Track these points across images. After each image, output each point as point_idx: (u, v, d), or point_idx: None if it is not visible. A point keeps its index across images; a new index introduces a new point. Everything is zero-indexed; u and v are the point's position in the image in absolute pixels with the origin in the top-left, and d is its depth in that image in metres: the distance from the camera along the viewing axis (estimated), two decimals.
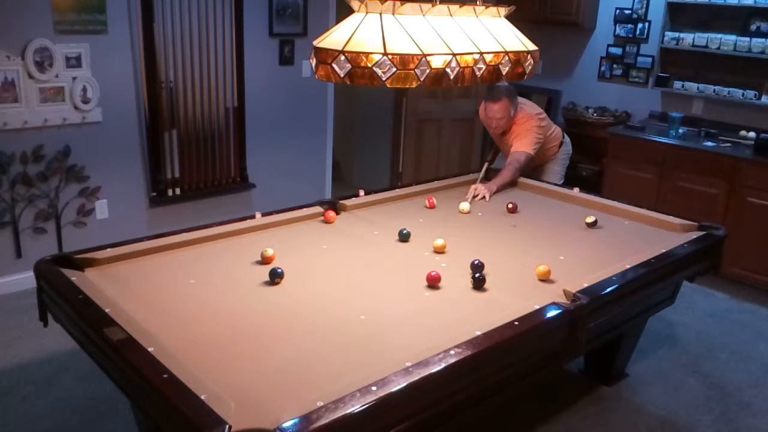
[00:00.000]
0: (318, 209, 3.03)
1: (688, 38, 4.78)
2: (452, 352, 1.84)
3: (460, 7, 2.17)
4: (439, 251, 2.69)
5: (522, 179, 3.72)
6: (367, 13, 1.98)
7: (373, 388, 1.65)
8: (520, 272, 2.52)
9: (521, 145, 3.69)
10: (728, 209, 4.35)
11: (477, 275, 2.36)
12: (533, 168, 3.91)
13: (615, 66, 5.42)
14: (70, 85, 3.76)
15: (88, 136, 3.91)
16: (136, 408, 2.00)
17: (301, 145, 5.03)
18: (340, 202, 3.15)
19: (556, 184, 3.79)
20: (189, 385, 1.63)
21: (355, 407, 1.58)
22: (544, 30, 5.37)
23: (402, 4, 2.00)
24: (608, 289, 2.36)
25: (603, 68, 5.49)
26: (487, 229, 3.01)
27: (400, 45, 1.90)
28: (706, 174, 4.44)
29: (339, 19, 2.54)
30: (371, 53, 1.88)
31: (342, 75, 1.92)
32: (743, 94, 4.61)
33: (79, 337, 2.08)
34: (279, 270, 2.34)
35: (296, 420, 1.51)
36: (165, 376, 1.66)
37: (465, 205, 2.78)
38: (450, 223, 3.05)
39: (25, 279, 3.57)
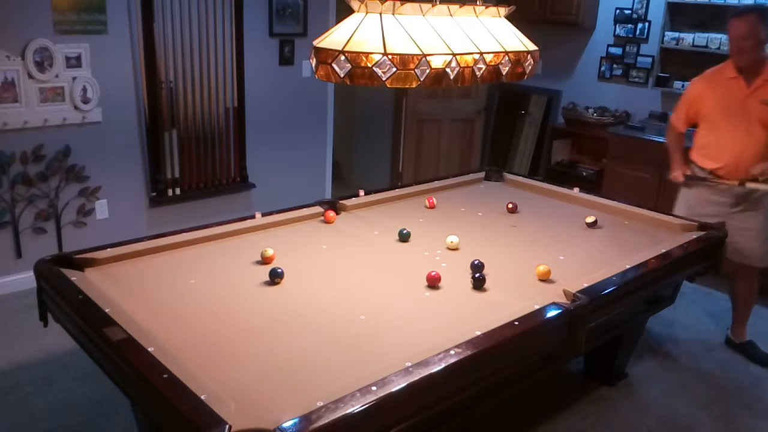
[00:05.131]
0: (318, 209, 3.02)
1: (688, 38, 4.78)
2: (452, 352, 1.84)
3: (460, 7, 2.18)
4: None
5: (521, 179, 3.72)
6: (367, 13, 1.98)
7: (373, 388, 1.65)
8: (520, 272, 2.52)
9: None
10: None
11: (477, 275, 2.36)
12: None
13: (615, 66, 5.42)
14: (70, 85, 3.75)
15: (88, 136, 3.91)
16: (136, 408, 2.00)
17: (301, 145, 5.03)
18: (340, 202, 3.15)
19: (556, 185, 3.76)
20: (189, 385, 1.63)
21: (355, 407, 1.58)
22: (544, 30, 5.36)
23: (402, 4, 2.00)
24: (608, 289, 2.36)
25: (603, 68, 5.49)
26: (487, 229, 3.01)
27: (400, 45, 1.91)
28: None
29: (339, 19, 2.54)
30: (371, 53, 1.88)
31: (342, 75, 1.92)
32: None
33: (79, 337, 2.08)
34: (279, 270, 2.34)
35: (296, 420, 1.51)
36: (165, 376, 1.66)
37: (454, 238, 2.71)
38: (450, 223, 3.05)
39: (25, 279, 3.57)
